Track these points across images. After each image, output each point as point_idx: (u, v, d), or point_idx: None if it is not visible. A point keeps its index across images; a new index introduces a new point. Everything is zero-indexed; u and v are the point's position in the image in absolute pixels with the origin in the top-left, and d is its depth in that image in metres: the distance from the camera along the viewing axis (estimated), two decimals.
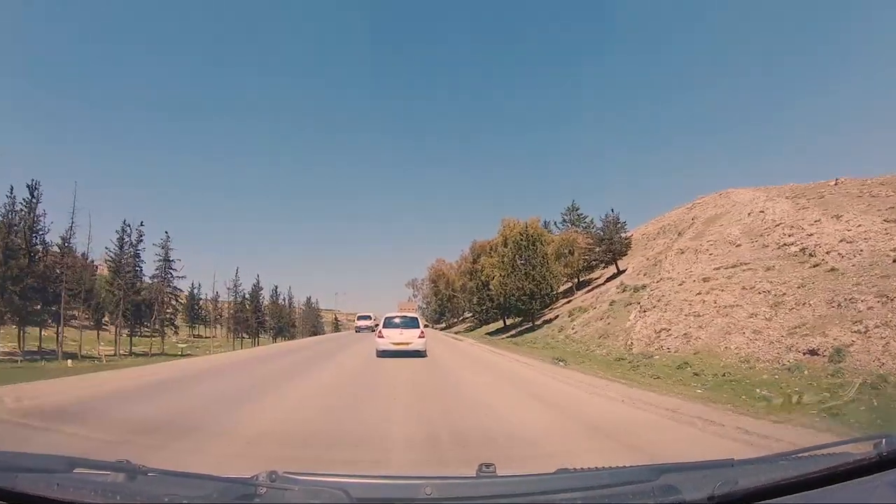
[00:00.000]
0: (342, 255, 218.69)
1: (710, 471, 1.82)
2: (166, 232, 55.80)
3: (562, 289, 43.36)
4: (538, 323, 36.95)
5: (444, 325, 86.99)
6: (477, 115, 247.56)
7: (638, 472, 1.88)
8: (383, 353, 16.65)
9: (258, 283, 70.70)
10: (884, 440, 1.68)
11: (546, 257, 37.30)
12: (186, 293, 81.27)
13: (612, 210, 41.28)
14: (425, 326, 20.88)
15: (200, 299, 77.77)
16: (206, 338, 69.74)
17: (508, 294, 36.13)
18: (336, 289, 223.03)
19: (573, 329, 27.97)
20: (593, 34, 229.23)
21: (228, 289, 64.30)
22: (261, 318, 66.62)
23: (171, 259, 52.73)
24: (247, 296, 66.41)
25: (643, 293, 24.35)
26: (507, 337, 37.09)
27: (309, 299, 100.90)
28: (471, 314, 74.32)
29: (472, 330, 58.37)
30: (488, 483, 1.80)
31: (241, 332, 61.00)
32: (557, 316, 35.88)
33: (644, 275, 28.94)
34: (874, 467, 1.65)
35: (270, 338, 67.27)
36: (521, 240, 37.24)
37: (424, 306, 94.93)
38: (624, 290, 28.06)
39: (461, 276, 68.94)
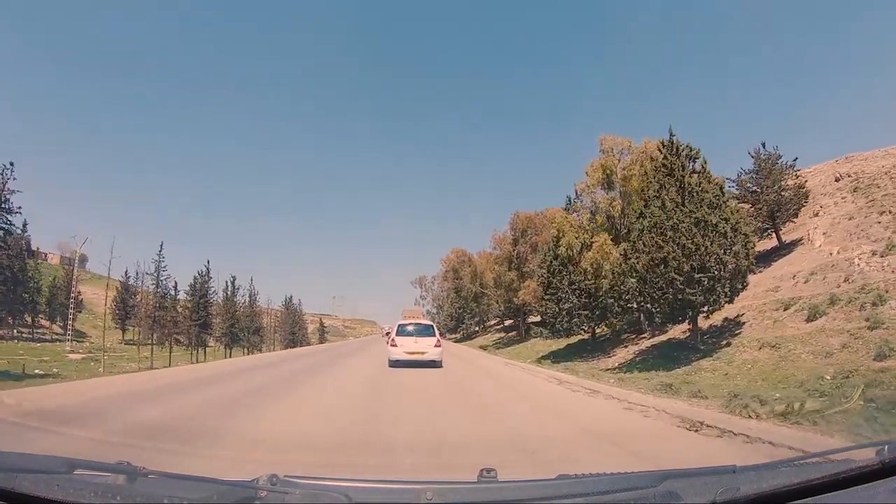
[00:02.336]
0: (339, 258, 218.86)
1: (712, 477, 1.81)
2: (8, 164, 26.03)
3: None
4: (686, 333, 18.79)
5: (460, 334, 66.98)
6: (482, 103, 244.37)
7: (639, 478, 1.87)
8: (396, 363, 16.20)
9: (207, 271, 46.52)
10: (886, 447, 1.66)
11: (721, 195, 18.25)
12: (120, 283, 60.39)
13: (763, 145, 25.08)
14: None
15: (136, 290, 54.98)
16: (145, 344, 41.32)
17: (653, 272, 17.46)
18: (333, 293, 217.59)
19: None
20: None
21: (147, 274, 41.56)
22: (205, 320, 45.17)
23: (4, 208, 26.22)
24: (176, 286, 44.37)
25: None
26: (663, 377, 14.82)
27: (289, 299, 76.11)
28: (497, 320, 58.84)
29: (507, 344, 39.88)
30: (489, 488, 1.80)
31: (168, 337, 40.27)
32: (740, 320, 18.45)
33: None
34: (877, 474, 1.63)
35: (223, 347, 49.01)
36: (665, 161, 18.79)
37: (436, 311, 76.39)
38: None
39: (494, 263, 47.84)
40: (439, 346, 17.00)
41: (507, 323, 51.97)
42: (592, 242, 25.73)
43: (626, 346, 23.01)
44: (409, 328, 17.48)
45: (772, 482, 1.66)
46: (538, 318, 40.43)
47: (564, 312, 26.54)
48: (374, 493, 1.75)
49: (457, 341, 57.64)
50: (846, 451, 1.97)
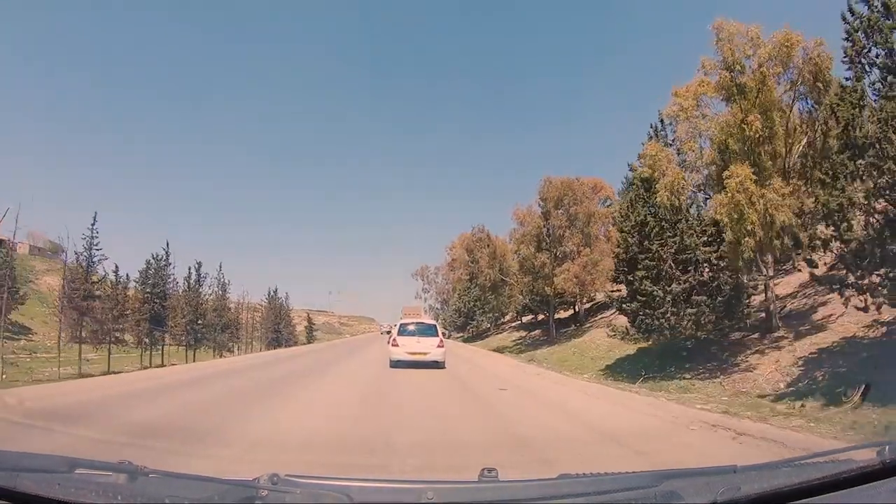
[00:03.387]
0: (336, 253, 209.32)
1: (713, 477, 1.82)
2: None
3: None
4: (873, 330, 11.71)
5: (468, 332, 59.03)
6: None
7: (640, 478, 1.88)
8: (397, 364, 16.02)
9: (166, 255, 38.23)
10: (887, 447, 1.66)
11: None
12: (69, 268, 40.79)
13: None
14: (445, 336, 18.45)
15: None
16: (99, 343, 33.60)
17: None
18: (329, 288, 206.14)
19: None
20: None
21: (76, 253, 32.79)
22: (157, 313, 36.79)
23: None
24: (117, 270, 37.02)
25: None
26: None
27: (274, 292, 62.43)
28: (511, 315, 49.39)
29: (533, 345, 32.59)
30: (490, 488, 1.80)
31: (107, 335, 32.89)
32: None
33: None
34: (878, 474, 1.64)
35: (185, 348, 40.48)
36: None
37: (439, 306, 70.10)
38: None
39: (519, 243, 36.25)
40: (442, 346, 16.94)
41: (526, 319, 44.41)
42: (725, 179, 14.69)
43: (758, 353, 14.35)
44: (411, 328, 17.39)
45: (772, 482, 1.66)
46: (569, 314, 36.45)
47: (669, 299, 15.89)
48: (375, 492, 1.76)
49: (465, 340, 50.42)
50: (847, 451, 1.97)
